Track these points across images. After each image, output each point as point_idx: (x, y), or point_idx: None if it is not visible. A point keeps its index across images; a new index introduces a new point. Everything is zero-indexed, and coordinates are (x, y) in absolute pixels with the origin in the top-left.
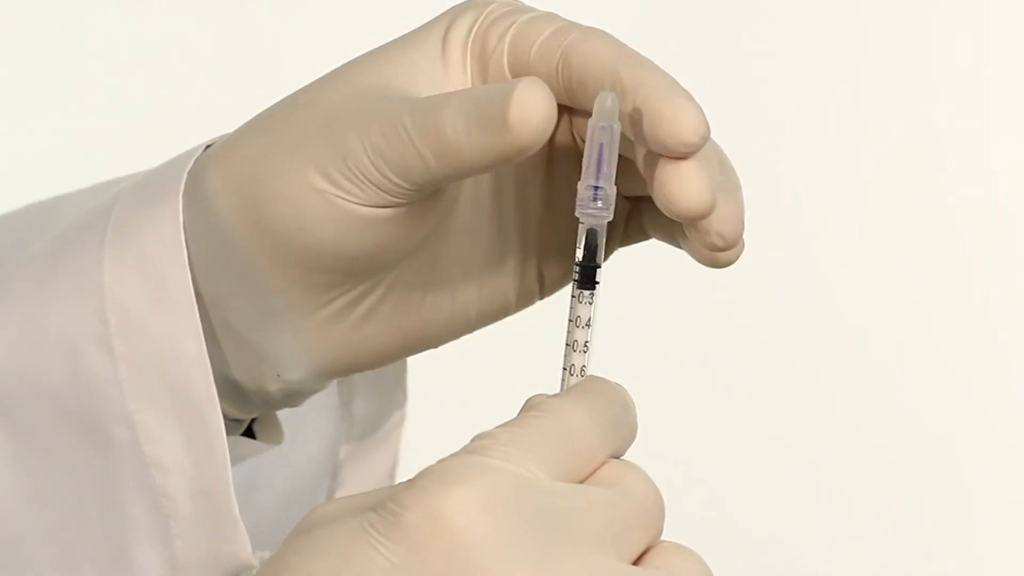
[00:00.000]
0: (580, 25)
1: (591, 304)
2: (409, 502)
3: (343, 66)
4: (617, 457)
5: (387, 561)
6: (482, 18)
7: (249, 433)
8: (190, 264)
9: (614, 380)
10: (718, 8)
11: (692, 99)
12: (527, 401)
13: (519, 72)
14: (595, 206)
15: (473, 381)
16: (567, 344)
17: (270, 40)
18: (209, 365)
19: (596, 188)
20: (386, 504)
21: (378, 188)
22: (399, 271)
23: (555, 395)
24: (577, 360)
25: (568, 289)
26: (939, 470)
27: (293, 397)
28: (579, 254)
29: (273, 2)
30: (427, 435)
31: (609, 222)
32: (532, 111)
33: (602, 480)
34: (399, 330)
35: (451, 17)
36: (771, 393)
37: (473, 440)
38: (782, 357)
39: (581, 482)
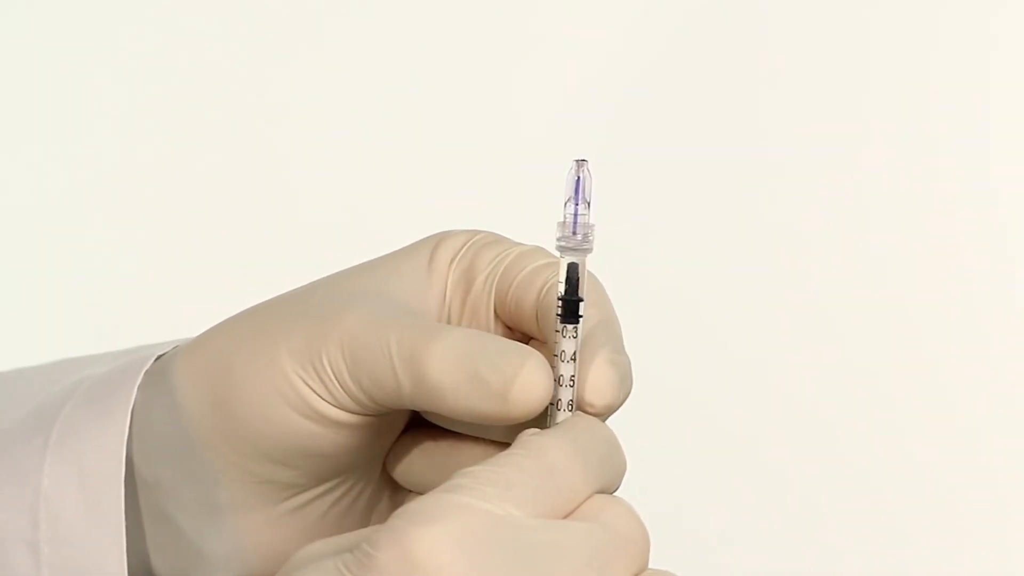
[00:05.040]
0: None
1: (575, 338)
2: (382, 542)
3: (331, 274)
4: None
5: None
6: (471, 243)
7: None
8: (138, 444)
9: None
10: (717, 10)
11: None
12: (518, 437)
13: (501, 299)
14: (575, 240)
15: None
16: (553, 379)
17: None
18: None
19: (575, 222)
20: (361, 545)
21: (348, 396)
22: (354, 481)
23: (540, 432)
24: (564, 394)
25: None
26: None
27: None
28: (560, 288)
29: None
30: None
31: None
32: (534, 394)
33: (583, 515)
34: None
35: (440, 238)
36: (765, 422)
37: (452, 478)
38: (779, 392)
39: (564, 519)
